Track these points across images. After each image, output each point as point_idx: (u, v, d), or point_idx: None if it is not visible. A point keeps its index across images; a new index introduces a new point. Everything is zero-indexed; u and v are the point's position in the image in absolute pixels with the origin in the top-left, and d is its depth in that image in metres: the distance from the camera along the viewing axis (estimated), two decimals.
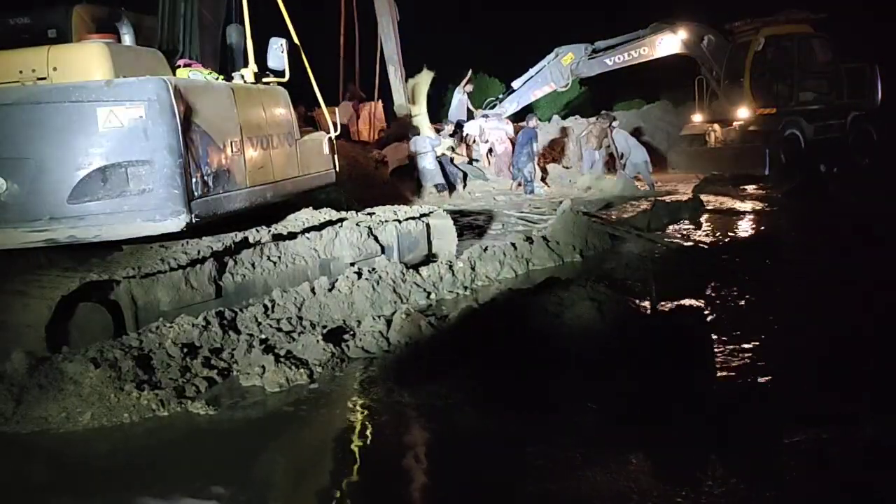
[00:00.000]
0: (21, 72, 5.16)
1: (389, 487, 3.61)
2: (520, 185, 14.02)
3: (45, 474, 3.85)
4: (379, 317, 5.64)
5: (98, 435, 4.13)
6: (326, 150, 7.68)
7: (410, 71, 15.39)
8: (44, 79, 5.20)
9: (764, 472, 3.47)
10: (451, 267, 7.23)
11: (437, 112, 16.95)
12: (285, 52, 6.94)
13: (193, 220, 5.30)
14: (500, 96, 16.96)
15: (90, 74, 5.19)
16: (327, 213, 7.13)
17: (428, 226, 8.02)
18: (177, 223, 5.21)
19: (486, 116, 15.92)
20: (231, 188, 5.83)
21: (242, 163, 6.00)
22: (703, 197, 11.75)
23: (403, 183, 13.54)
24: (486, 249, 7.77)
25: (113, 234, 5.23)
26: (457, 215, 9.56)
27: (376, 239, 7.36)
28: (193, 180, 5.28)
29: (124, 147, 5.07)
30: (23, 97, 5.06)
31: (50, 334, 4.76)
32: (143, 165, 5.08)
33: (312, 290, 6.07)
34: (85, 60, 5.25)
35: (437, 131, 15.01)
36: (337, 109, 14.54)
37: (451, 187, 13.86)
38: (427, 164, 13.39)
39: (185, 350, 4.91)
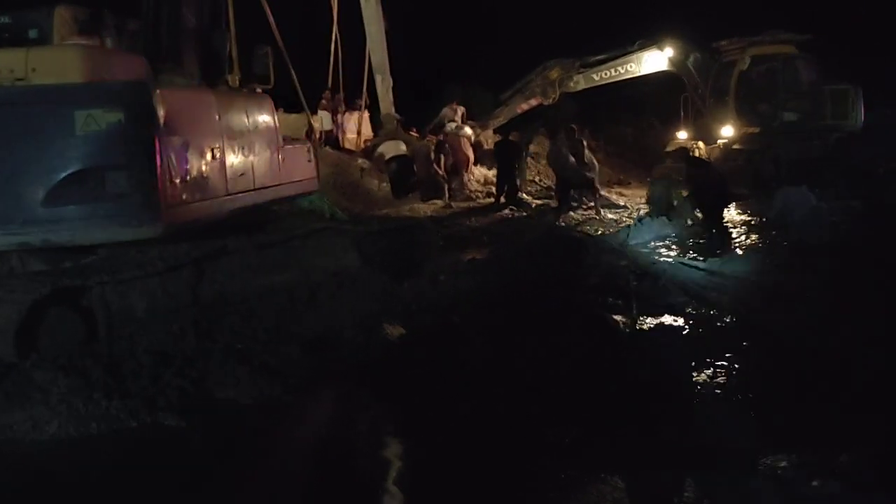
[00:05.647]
0: None
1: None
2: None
3: (7, 485, 3.74)
4: (359, 329, 5.57)
5: (65, 445, 4.03)
6: (309, 158, 7.62)
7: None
8: (22, 80, 5.10)
9: (736, 492, 3.44)
10: (433, 279, 7.17)
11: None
12: (270, 58, 6.90)
13: (170, 227, 5.22)
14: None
15: (70, 77, 5.09)
16: (310, 222, 7.07)
17: (412, 237, 7.96)
18: (153, 229, 5.12)
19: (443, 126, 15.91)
20: (211, 195, 5.75)
21: (223, 169, 5.92)
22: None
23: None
24: (469, 262, 7.71)
25: (88, 239, 5.13)
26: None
27: (359, 249, 7.28)
28: (171, 186, 5.19)
29: (102, 151, 4.98)
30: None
31: (19, 340, 4.65)
32: (121, 170, 4.99)
33: (292, 299, 5.99)
34: (65, 62, 5.14)
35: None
36: (321, 117, 14.61)
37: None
38: None
39: (158, 359, 4.81)
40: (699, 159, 12.30)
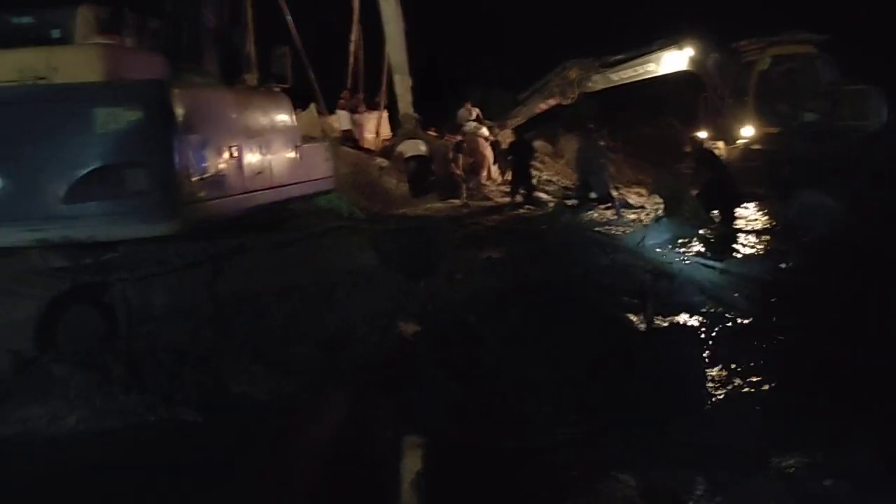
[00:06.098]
0: (21, 71, 5.13)
1: (374, 501, 3.57)
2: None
3: (24, 477, 3.80)
4: (374, 326, 5.59)
5: (82, 438, 4.09)
6: (326, 156, 7.67)
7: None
8: (44, 78, 5.17)
9: (747, 492, 3.43)
10: (449, 278, 7.18)
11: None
12: (288, 59, 6.95)
13: (188, 224, 5.27)
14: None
15: (91, 75, 5.16)
16: (326, 220, 7.12)
17: (428, 236, 7.99)
18: (171, 226, 5.17)
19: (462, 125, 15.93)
20: (228, 193, 5.80)
21: (240, 167, 5.97)
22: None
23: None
24: (485, 261, 7.70)
25: (107, 235, 5.19)
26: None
27: (376, 248, 7.32)
28: (189, 183, 5.25)
29: (121, 148, 5.04)
30: (22, 96, 5.03)
31: (39, 335, 4.73)
32: (139, 167, 5.05)
33: (307, 297, 6.03)
34: (86, 61, 5.22)
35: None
36: (340, 116, 14.69)
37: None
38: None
39: (176, 355, 4.87)
40: (711, 156, 12.19)
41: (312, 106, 8.64)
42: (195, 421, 4.29)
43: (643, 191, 15.71)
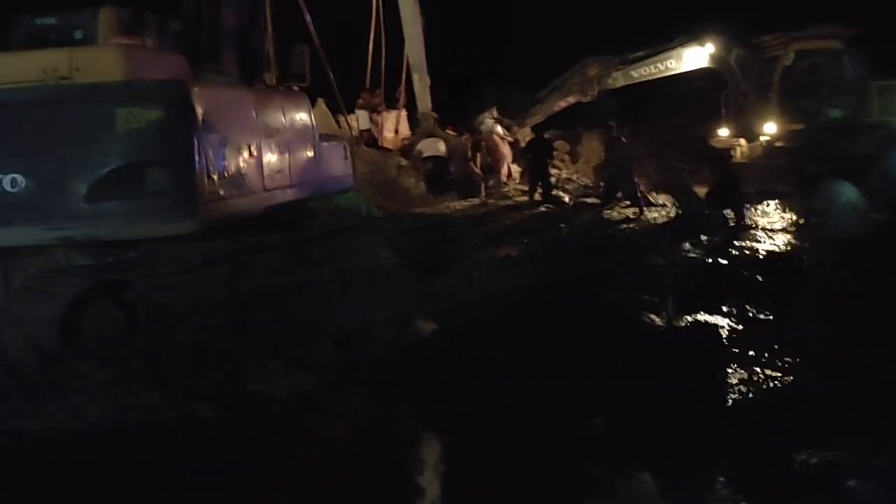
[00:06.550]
0: (44, 71, 5.20)
1: (392, 499, 3.58)
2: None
3: (50, 471, 3.86)
4: (391, 324, 5.61)
5: (105, 433, 4.15)
6: (345, 155, 7.70)
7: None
8: (66, 79, 5.24)
9: (771, 494, 3.39)
10: (467, 276, 7.18)
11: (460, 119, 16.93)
12: (307, 57, 6.99)
13: (208, 222, 5.32)
14: None
15: (111, 75, 5.22)
16: (344, 219, 7.15)
17: (445, 234, 7.99)
18: (191, 224, 5.22)
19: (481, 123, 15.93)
20: (247, 192, 5.85)
21: (260, 166, 6.02)
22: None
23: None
24: (503, 259, 7.69)
25: (128, 234, 5.25)
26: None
27: (392, 246, 7.34)
28: (209, 183, 5.29)
29: (142, 148, 5.10)
30: (44, 96, 5.10)
31: (63, 332, 4.79)
32: (160, 167, 5.10)
33: (325, 295, 6.06)
34: (107, 62, 5.28)
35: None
36: (359, 115, 14.74)
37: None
38: None
39: (196, 352, 4.92)
40: (716, 155, 12.05)
41: (320, 101, 8.65)
42: (214, 417, 4.33)
43: (661, 189, 15.61)
